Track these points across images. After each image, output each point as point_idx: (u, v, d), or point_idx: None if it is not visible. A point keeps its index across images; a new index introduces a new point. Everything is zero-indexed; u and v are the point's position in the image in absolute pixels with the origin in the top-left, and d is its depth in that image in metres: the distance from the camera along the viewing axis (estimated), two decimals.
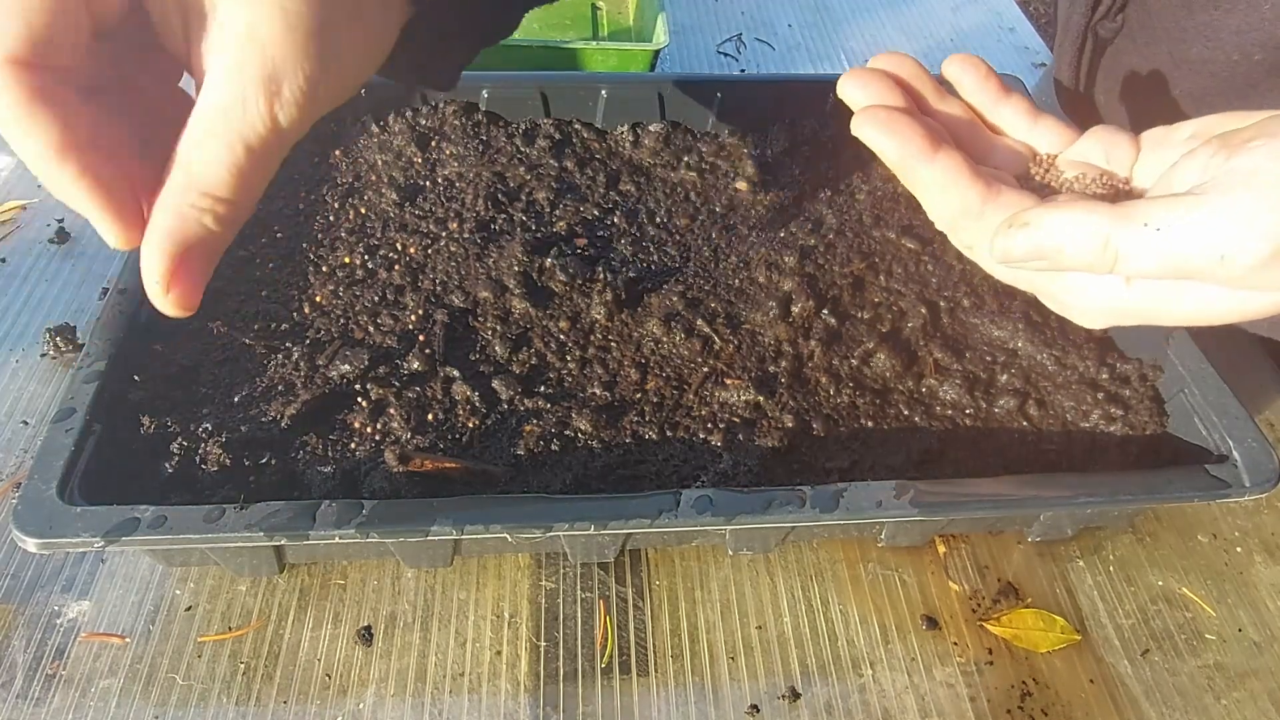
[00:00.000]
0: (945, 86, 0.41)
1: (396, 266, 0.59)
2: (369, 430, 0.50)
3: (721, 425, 0.52)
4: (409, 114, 0.69)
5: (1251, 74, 0.52)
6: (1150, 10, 0.57)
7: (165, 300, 0.33)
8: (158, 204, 0.33)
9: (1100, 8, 0.60)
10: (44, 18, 0.30)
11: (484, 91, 0.70)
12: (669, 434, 0.51)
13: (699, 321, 0.57)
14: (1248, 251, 0.30)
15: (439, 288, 0.58)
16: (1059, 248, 0.33)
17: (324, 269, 0.59)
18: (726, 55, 0.94)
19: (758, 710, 0.46)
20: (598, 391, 0.53)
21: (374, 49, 0.37)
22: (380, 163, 0.67)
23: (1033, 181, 0.38)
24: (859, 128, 0.36)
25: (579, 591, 0.50)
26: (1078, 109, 0.67)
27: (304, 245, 0.61)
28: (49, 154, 0.31)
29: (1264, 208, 0.30)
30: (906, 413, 0.54)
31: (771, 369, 0.55)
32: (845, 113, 0.72)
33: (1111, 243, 0.32)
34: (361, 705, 0.45)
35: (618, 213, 0.65)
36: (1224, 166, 0.32)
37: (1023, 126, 0.40)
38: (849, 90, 0.38)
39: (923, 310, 0.58)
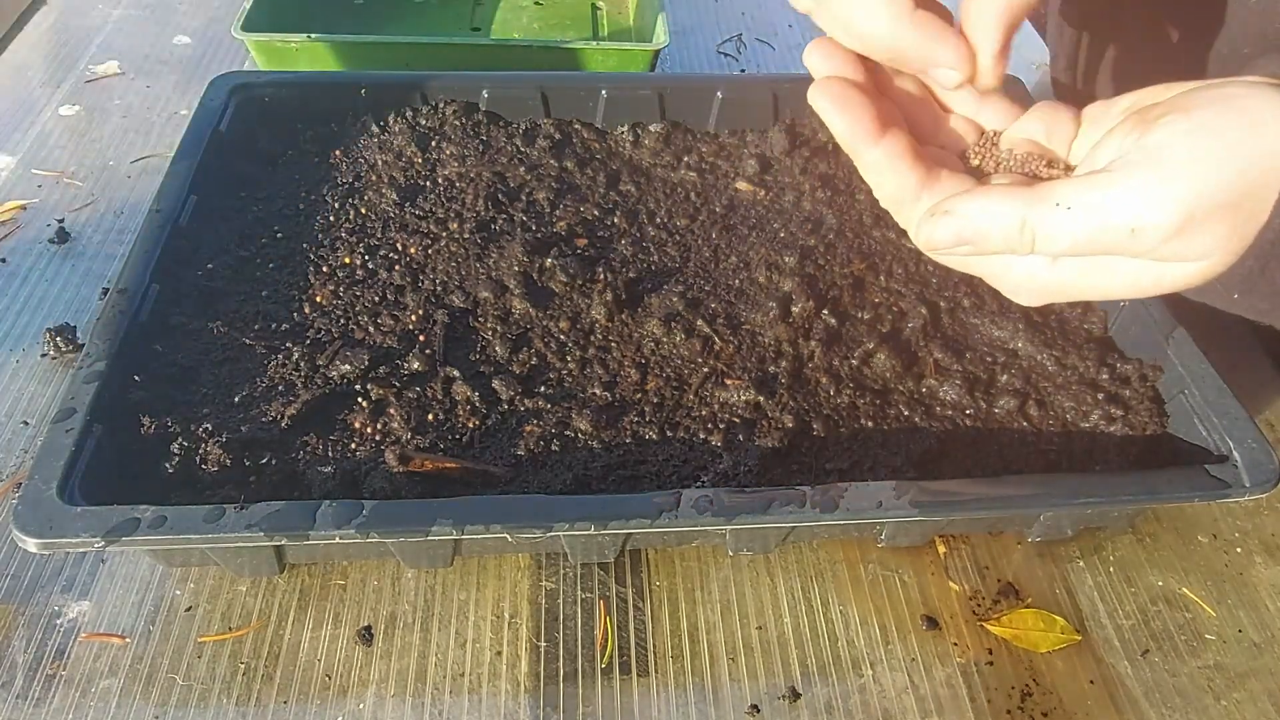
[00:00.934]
0: None
1: (397, 267, 0.59)
2: (369, 430, 0.50)
3: (721, 425, 0.52)
4: (409, 114, 0.69)
5: (1240, 68, 0.52)
6: (1139, 5, 0.57)
7: (994, 72, 0.38)
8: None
9: (1094, 3, 0.60)
10: None
11: (484, 91, 0.70)
12: (669, 434, 0.51)
13: (699, 322, 0.57)
14: (1156, 225, 0.32)
15: (439, 288, 0.58)
16: (979, 234, 0.35)
17: (324, 269, 0.59)
18: (726, 55, 0.94)
19: (758, 710, 0.46)
20: (598, 392, 0.53)
21: None
22: (380, 163, 0.67)
23: (973, 163, 0.39)
24: (814, 98, 0.37)
25: (579, 592, 0.50)
26: (1077, 104, 0.67)
27: (304, 245, 0.61)
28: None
29: (1168, 181, 0.31)
30: (907, 413, 0.54)
31: (771, 369, 0.55)
32: None
33: (1028, 224, 0.34)
34: (361, 705, 0.45)
35: (618, 213, 0.65)
36: (1136, 144, 0.33)
37: (971, 103, 0.41)
38: (812, 59, 0.39)
39: (923, 310, 0.58)
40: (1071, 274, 0.36)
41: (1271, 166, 0.31)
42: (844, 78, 0.38)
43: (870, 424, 0.53)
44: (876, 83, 0.40)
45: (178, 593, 0.49)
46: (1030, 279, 0.37)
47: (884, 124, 0.37)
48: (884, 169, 0.37)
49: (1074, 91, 0.65)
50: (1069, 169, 0.37)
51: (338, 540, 0.43)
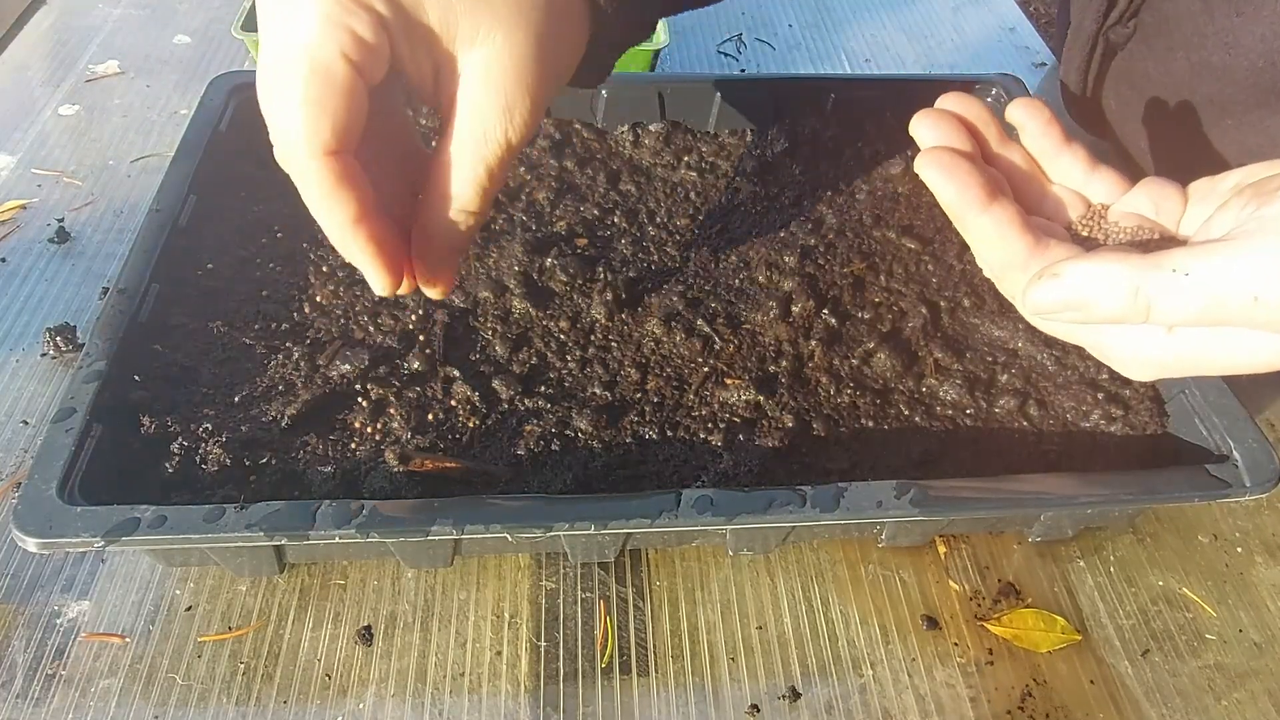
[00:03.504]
0: (1009, 129, 0.41)
1: None
2: (369, 430, 0.50)
3: (722, 425, 0.52)
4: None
5: (1276, 80, 0.52)
6: (1166, 15, 0.56)
7: (435, 289, 0.43)
8: (420, 223, 0.41)
9: (1113, 12, 0.59)
10: (345, 110, 0.35)
11: None
12: (669, 434, 0.51)
13: (699, 321, 0.57)
14: (1279, 291, 0.30)
15: None
16: (1089, 299, 0.33)
17: (324, 269, 0.59)
18: (726, 55, 0.94)
19: (758, 710, 0.46)
20: (598, 391, 0.53)
21: (570, 66, 0.44)
22: None
23: (1082, 234, 0.39)
24: (922, 168, 0.37)
25: (579, 592, 0.50)
26: (1086, 115, 0.66)
27: (304, 245, 0.60)
28: (349, 224, 0.38)
29: None
30: (907, 413, 0.54)
31: (772, 369, 0.55)
32: (845, 113, 0.72)
33: (1142, 292, 0.32)
34: (361, 705, 0.45)
35: (618, 212, 0.65)
36: (1255, 214, 0.32)
37: (1079, 176, 0.40)
38: (920, 130, 0.39)
39: (923, 310, 0.58)
40: (1188, 346, 0.35)
41: None
42: (950, 147, 0.38)
43: (870, 424, 0.53)
44: (983, 153, 0.40)
45: (178, 592, 0.49)
46: (1144, 351, 0.36)
47: (992, 193, 0.37)
48: (992, 237, 0.37)
49: (1084, 100, 0.65)
50: (1181, 243, 0.36)
51: (338, 540, 0.43)
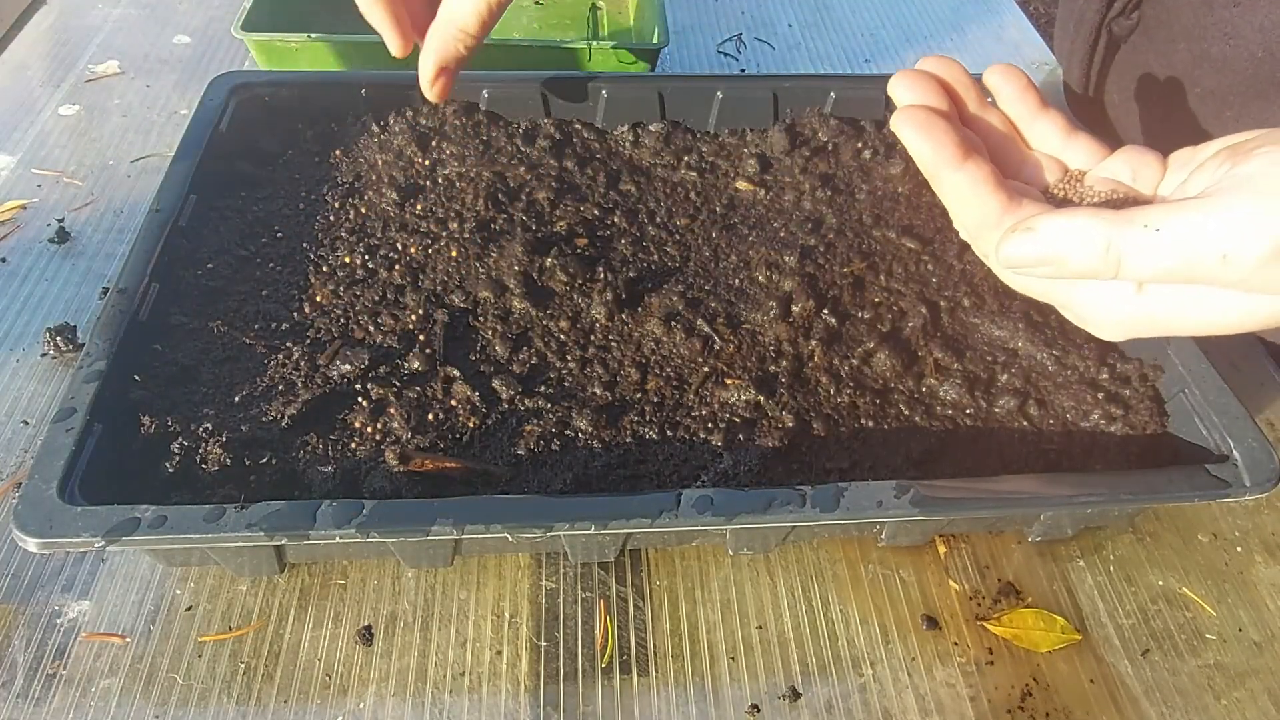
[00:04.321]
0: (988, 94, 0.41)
1: (397, 266, 0.59)
2: (369, 430, 0.50)
3: (722, 425, 0.52)
4: (409, 114, 0.69)
5: (1275, 71, 0.52)
6: (1168, 7, 0.57)
7: (431, 91, 0.59)
8: (430, 33, 0.56)
9: (1115, 4, 0.59)
10: None
11: (484, 91, 0.70)
12: (669, 434, 0.51)
13: (699, 321, 0.57)
14: (1249, 250, 0.31)
15: (439, 287, 0.58)
16: (1062, 253, 0.34)
17: (324, 269, 0.59)
18: (726, 55, 0.94)
19: (758, 710, 0.46)
20: (598, 391, 0.53)
21: None
22: (380, 162, 0.67)
23: (1058, 197, 0.39)
24: (898, 125, 0.37)
25: (579, 591, 0.50)
26: (1087, 110, 0.66)
27: (304, 245, 0.61)
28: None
29: (1263, 208, 0.31)
30: (907, 413, 0.54)
31: (772, 369, 0.55)
32: (845, 112, 0.72)
33: (1113, 246, 0.33)
34: (362, 705, 0.45)
35: (618, 212, 0.65)
36: (1230, 173, 0.32)
37: (1057, 142, 0.40)
38: (897, 90, 0.39)
39: (923, 310, 0.58)
40: (1157, 305, 0.35)
41: None
42: (927, 105, 0.38)
43: (870, 423, 0.53)
44: (961, 115, 0.40)
45: (178, 592, 0.49)
46: (1114, 309, 0.36)
47: (967, 151, 0.37)
48: (966, 194, 0.37)
49: (1085, 97, 0.65)
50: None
51: (338, 540, 0.43)
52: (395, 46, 0.56)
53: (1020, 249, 0.35)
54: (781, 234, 0.63)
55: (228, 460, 0.47)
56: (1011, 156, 0.40)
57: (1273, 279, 0.31)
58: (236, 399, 0.51)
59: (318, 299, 0.57)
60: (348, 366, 0.52)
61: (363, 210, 0.63)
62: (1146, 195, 0.38)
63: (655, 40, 0.79)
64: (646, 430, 0.51)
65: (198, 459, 0.48)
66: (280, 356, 0.53)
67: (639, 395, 0.53)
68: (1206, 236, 0.31)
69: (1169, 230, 0.32)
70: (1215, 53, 0.54)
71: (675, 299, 0.58)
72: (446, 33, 0.55)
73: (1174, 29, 0.56)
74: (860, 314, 0.58)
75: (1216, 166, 0.34)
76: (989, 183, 0.36)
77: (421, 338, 0.55)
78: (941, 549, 0.53)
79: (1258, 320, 0.34)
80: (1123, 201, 0.37)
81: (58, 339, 0.59)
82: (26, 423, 0.56)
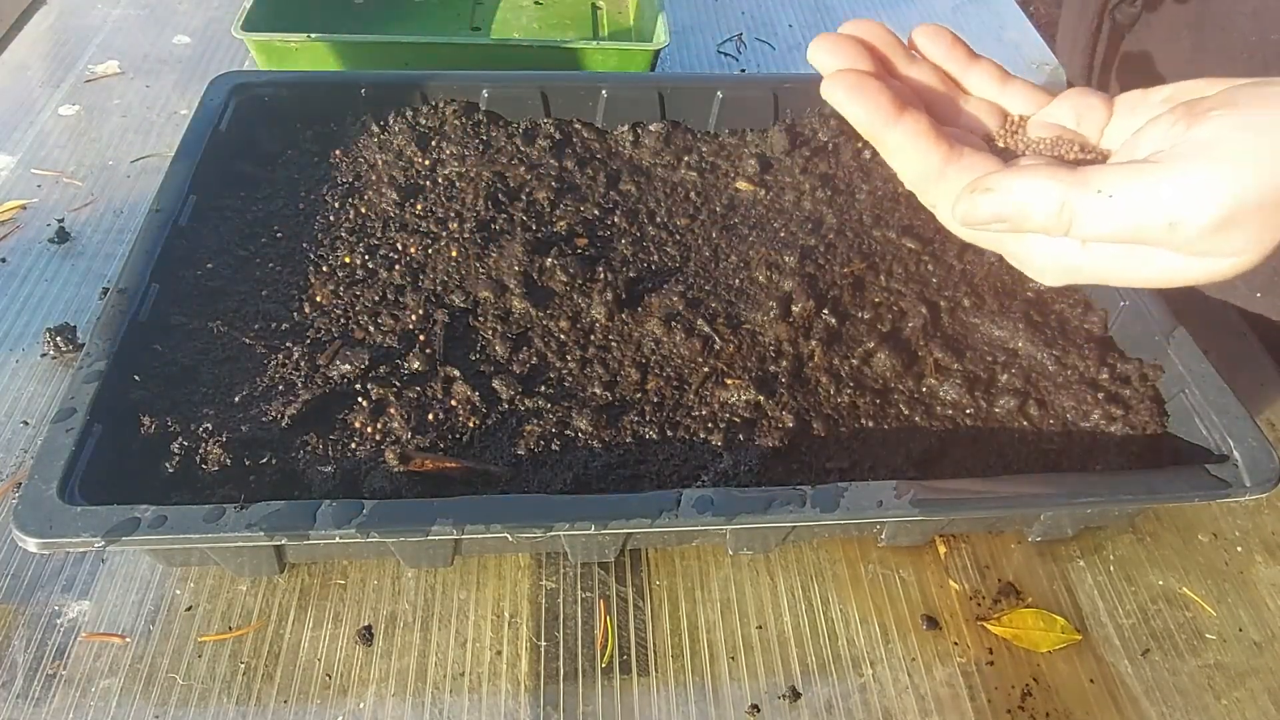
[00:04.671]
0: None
1: (397, 266, 0.59)
2: (369, 430, 0.50)
3: (722, 425, 0.52)
4: (409, 114, 0.69)
5: (1268, 56, 0.52)
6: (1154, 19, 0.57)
7: None
8: None
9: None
10: None
11: (484, 91, 0.70)
12: (669, 434, 0.51)
13: (699, 321, 0.57)
14: (1196, 220, 0.32)
15: (439, 287, 0.58)
16: (1019, 212, 0.34)
17: (324, 269, 0.59)
18: (726, 55, 0.94)
19: (758, 710, 0.46)
20: (598, 391, 0.53)
21: None
22: (380, 162, 0.67)
23: (999, 145, 0.39)
24: (828, 91, 0.37)
25: (579, 591, 0.50)
26: None
27: (304, 245, 0.61)
28: None
29: (1214, 177, 0.31)
30: (907, 413, 0.54)
31: (772, 369, 0.55)
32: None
33: (1067, 207, 0.33)
34: (362, 705, 0.45)
35: (618, 212, 0.65)
36: (1183, 135, 0.33)
37: (993, 89, 0.40)
38: (818, 56, 0.39)
39: (923, 310, 0.58)
40: (1102, 260, 0.36)
41: None
42: (855, 69, 0.37)
43: (870, 423, 0.53)
44: (891, 74, 0.39)
45: (178, 592, 0.49)
46: (1059, 260, 0.37)
47: (901, 105, 0.36)
48: (906, 149, 0.37)
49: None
50: (1104, 156, 0.37)
51: (338, 540, 0.43)
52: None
53: (978, 208, 0.35)
54: (781, 234, 0.63)
55: (228, 460, 0.47)
56: (949, 105, 0.40)
57: (1215, 246, 0.32)
58: (236, 399, 0.51)
59: (318, 299, 0.57)
60: (348, 366, 0.52)
61: (363, 210, 0.63)
62: (1092, 141, 0.38)
63: (655, 40, 0.79)
64: (646, 430, 0.51)
65: (198, 459, 0.48)
66: (280, 356, 0.53)
67: (639, 395, 0.53)
68: (1157, 204, 0.32)
69: (1121, 196, 0.33)
70: (1212, 42, 0.54)
71: (675, 299, 0.58)
72: None
73: (1176, 18, 0.56)
74: (860, 314, 0.58)
75: (1171, 125, 0.34)
76: (928, 134, 0.36)
77: (421, 338, 0.55)
78: (941, 549, 0.53)
79: (1193, 279, 0.35)
80: (1069, 151, 0.38)
81: (58, 339, 0.59)
82: (26, 423, 0.56)
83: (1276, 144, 0.31)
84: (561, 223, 0.63)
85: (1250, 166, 0.31)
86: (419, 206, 0.63)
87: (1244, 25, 0.52)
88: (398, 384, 0.52)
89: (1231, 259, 0.33)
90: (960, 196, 0.36)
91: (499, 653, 0.48)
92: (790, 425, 0.52)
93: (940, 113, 0.39)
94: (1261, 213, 0.31)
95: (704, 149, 0.70)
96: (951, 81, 0.40)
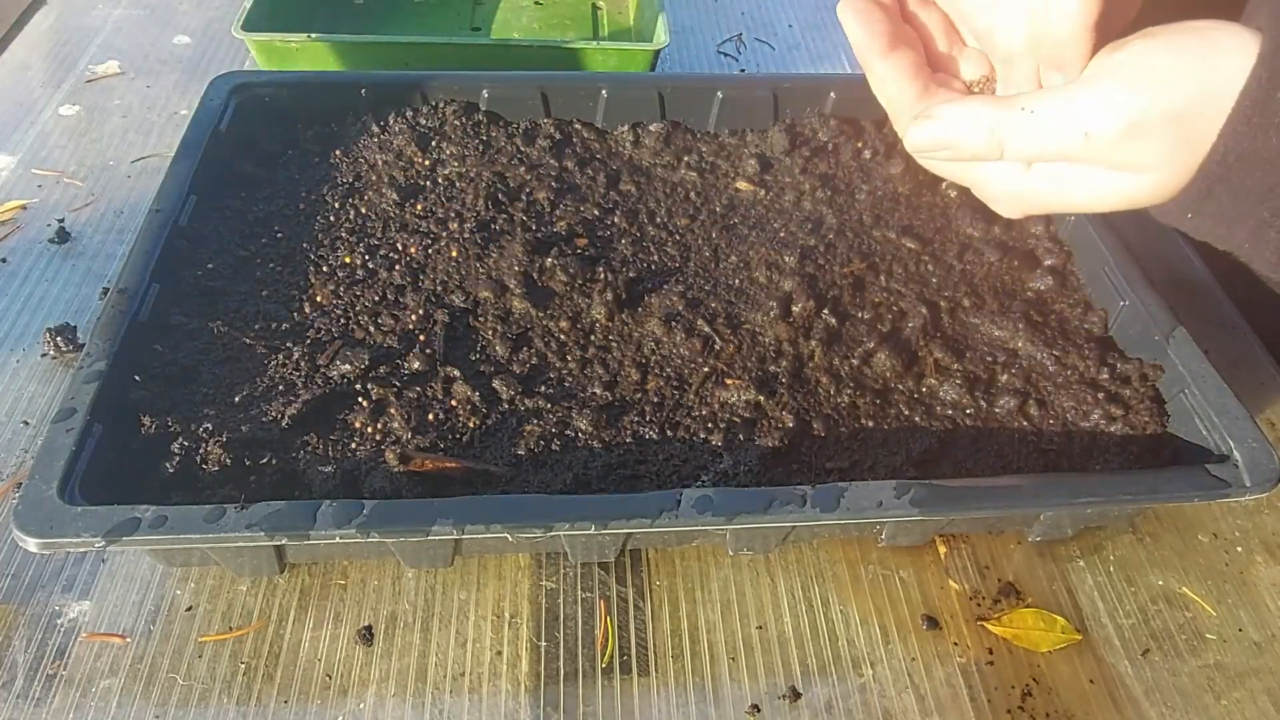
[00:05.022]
0: None
1: (397, 266, 0.59)
2: (369, 430, 0.50)
3: (722, 425, 0.52)
4: (409, 114, 0.69)
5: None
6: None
7: None
8: None
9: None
10: None
11: (484, 91, 0.70)
12: (669, 434, 0.51)
13: (699, 321, 0.57)
14: (1105, 128, 0.34)
15: (439, 287, 0.58)
16: (956, 137, 0.37)
17: (324, 269, 0.59)
18: (726, 55, 0.94)
19: (758, 710, 0.46)
20: (598, 391, 0.53)
21: None
22: (381, 163, 0.67)
23: (979, 91, 0.42)
24: (841, 11, 0.41)
25: (579, 591, 0.50)
26: None
27: (304, 245, 0.61)
28: None
29: (1120, 89, 0.34)
30: (907, 413, 0.54)
31: (772, 369, 0.55)
32: (845, 112, 0.72)
33: (997, 129, 0.36)
34: (362, 705, 0.45)
35: (618, 213, 0.65)
36: (1103, 62, 0.36)
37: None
38: None
39: (923, 310, 0.58)
40: (1040, 182, 0.38)
41: (1225, 92, 0.33)
42: None
43: (870, 423, 0.53)
44: (902, 12, 0.42)
45: (178, 592, 0.49)
46: (1005, 187, 0.40)
47: (896, 42, 0.40)
48: (888, 81, 0.40)
49: None
50: None
51: (338, 540, 0.43)
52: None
53: (922, 133, 0.38)
54: (781, 234, 0.63)
55: (228, 460, 0.47)
56: (943, 53, 0.43)
57: (1128, 157, 0.35)
58: (237, 399, 0.51)
59: (318, 299, 0.57)
60: (348, 366, 0.52)
61: (363, 210, 0.63)
62: None
63: (655, 40, 0.79)
64: (646, 430, 0.51)
65: (198, 459, 0.48)
66: (280, 357, 0.53)
67: (639, 395, 0.53)
68: (1072, 116, 0.35)
69: (1040, 111, 0.36)
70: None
71: (675, 299, 0.58)
72: None
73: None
74: (860, 314, 0.58)
75: (1100, 57, 0.36)
76: (909, 72, 0.40)
77: (422, 338, 0.55)
78: (942, 549, 0.53)
79: (1123, 198, 0.37)
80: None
81: (58, 339, 0.59)
82: (27, 423, 0.56)
83: (1182, 63, 0.34)
84: (561, 223, 0.63)
85: (1154, 79, 0.34)
86: (419, 206, 0.63)
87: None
88: (398, 384, 0.52)
89: (1149, 174, 0.35)
90: (909, 124, 0.39)
91: (499, 653, 0.48)
92: (790, 425, 0.52)
93: (934, 57, 0.43)
94: (1168, 125, 0.34)
95: (704, 149, 0.70)
96: (954, 29, 0.43)
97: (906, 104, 0.40)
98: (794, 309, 0.58)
